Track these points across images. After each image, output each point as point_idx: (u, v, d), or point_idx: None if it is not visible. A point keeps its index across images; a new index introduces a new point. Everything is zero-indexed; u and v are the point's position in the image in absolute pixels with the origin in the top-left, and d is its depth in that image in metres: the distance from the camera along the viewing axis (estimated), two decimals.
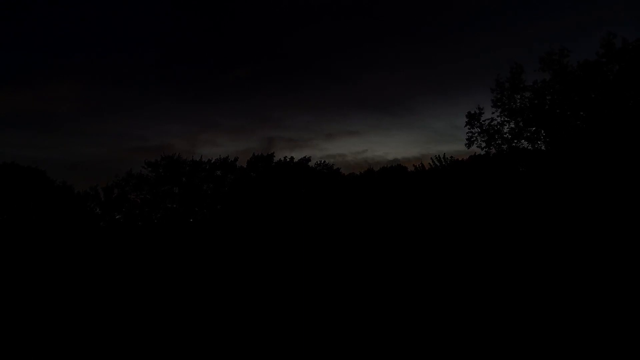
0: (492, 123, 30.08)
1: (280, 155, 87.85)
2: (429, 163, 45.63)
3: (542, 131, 31.69)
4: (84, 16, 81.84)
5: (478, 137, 30.49)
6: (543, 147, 31.31)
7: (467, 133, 31.13)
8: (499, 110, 29.62)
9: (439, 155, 45.27)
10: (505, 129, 30.04)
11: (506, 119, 29.81)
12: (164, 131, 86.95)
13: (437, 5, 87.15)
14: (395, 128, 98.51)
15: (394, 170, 49.73)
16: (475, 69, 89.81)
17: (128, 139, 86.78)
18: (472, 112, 30.41)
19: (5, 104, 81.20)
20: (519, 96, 29.36)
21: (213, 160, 44.15)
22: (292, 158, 44.57)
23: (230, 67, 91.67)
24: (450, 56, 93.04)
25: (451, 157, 39.87)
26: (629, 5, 62.23)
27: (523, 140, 30.54)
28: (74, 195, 46.21)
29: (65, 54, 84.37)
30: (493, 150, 31.05)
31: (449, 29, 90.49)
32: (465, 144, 31.21)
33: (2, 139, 78.35)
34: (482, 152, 32.47)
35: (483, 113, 30.36)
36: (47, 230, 42.25)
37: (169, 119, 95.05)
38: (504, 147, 30.79)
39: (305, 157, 44.27)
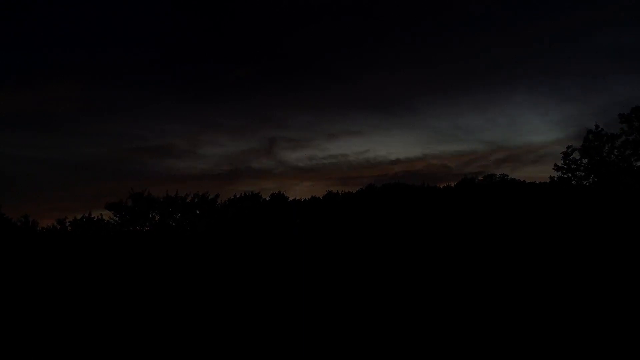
0: None
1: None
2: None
3: None
4: (84, 16, 78.26)
5: None
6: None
7: None
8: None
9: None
10: None
11: None
12: (164, 131, 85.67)
13: (437, 5, 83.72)
14: (396, 128, 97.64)
15: (397, 189, 42.09)
16: (475, 69, 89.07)
17: (128, 139, 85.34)
18: None
19: (5, 104, 79.53)
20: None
21: (189, 199, 37.27)
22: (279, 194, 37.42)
23: (231, 67, 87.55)
24: (450, 56, 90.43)
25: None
26: (629, 5, 63.32)
27: None
28: (36, 233, 40.59)
29: (65, 53, 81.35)
30: None
31: (449, 29, 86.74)
32: None
33: (2, 139, 76.26)
34: None
35: None
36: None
37: (169, 119, 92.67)
38: None
39: (295, 198, 36.88)
